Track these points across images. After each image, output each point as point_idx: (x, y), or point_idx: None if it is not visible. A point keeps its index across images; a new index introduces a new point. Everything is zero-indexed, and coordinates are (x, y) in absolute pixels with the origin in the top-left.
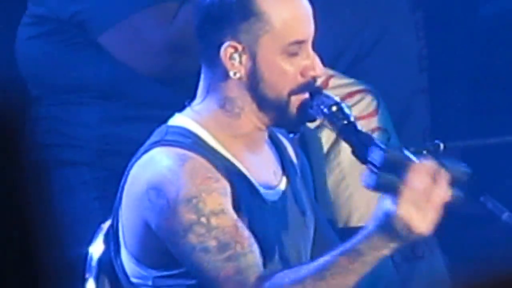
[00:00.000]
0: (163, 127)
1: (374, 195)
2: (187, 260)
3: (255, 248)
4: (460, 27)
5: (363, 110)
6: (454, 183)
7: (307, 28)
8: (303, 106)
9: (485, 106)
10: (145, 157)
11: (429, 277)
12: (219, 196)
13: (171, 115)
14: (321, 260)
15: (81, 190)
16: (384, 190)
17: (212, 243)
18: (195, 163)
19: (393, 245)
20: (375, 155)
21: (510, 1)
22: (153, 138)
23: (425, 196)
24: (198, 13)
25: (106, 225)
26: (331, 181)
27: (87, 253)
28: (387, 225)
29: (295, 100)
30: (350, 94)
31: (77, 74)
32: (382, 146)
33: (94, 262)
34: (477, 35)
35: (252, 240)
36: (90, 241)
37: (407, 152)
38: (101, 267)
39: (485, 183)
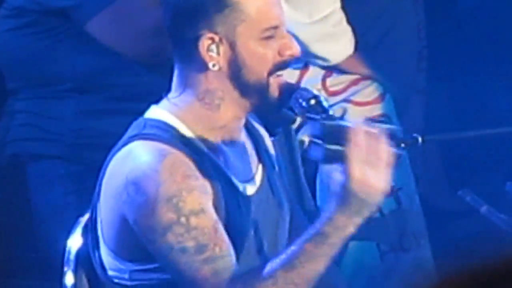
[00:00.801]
0: (140, 119)
1: None
2: (164, 259)
3: (233, 251)
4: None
5: (368, 96)
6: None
7: (280, 14)
8: (283, 88)
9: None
10: (124, 150)
11: (414, 269)
12: (199, 195)
13: (148, 108)
14: (289, 250)
15: (57, 184)
16: (331, 160)
17: (191, 243)
18: (174, 158)
19: (357, 220)
20: (314, 128)
21: None
22: (131, 131)
23: (372, 154)
24: (170, 9)
25: (84, 218)
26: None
27: (65, 246)
28: (346, 195)
29: (274, 82)
30: (355, 82)
31: (54, 66)
32: (318, 117)
33: (72, 255)
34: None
35: (230, 243)
36: (68, 235)
37: (343, 121)
38: (79, 260)
39: (464, 176)
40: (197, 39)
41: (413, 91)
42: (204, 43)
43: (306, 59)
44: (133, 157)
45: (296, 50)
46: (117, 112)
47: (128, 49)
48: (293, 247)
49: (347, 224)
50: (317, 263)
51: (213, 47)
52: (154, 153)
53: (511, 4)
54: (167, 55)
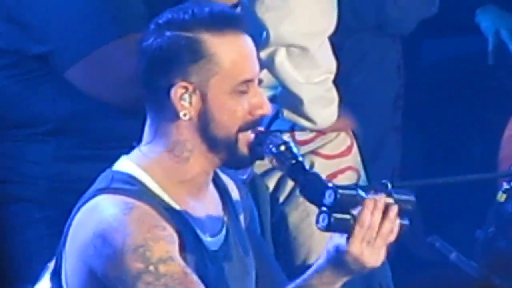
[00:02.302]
0: (108, 172)
1: (336, 235)
2: None
3: None
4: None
5: (335, 149)
6: (401, 212)
7: (254, 67)
8: (251, 144)
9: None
10: (91, 203)
11: None
12: (166, 243)
13: (117, 157)
14: None
15: (30, 227)
16: (336, 229)
17: None
18: (141, 211)
19: (344, 278)
20: (326, 195)
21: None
22: (99, 184)
23: (375, 231)
24: (145, 57)
25: (52, 264)
26: (294, 217)
27: None
28: (338, 260)
29: (243, 138)
30: (323, 132)
31: (32, 109)
32: (331, 185)
33: None
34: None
35: (201, 284)
36: (35, 280)
37: (358, 190)
38: None
39: (433, 223)
40: (170, 87)
41: (390, 128)
42: (177, 91)
43: (294, 119)
44: (100, 211)
45: (267, 109)
46: (94, 157)
47: (106, 97)
48: None
49: (335, 281)
50: None
51: (186, 96)
52: (121, 206)
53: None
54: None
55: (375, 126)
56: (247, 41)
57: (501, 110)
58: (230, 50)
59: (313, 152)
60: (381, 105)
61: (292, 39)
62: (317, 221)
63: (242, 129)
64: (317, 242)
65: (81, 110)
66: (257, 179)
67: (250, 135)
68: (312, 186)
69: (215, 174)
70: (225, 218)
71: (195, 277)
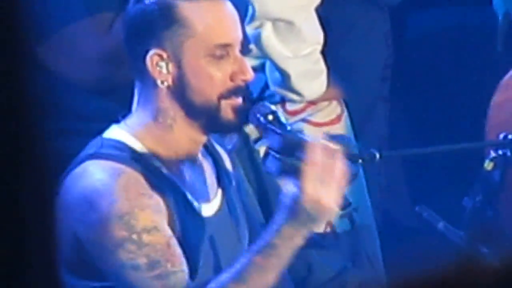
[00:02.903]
0: (98, 138)
1: None
2: (116, 276)
3: (186, 267)
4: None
5: (325, 117)
6: (348, 157)
7: (233, 32)
8: (237, 110)
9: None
10: (79, 169)
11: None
12: (152, 212)
13: (106, 127)
14: (239, 263)
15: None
16: (287, 174)
17: (143, 260)
18: (129, 177)
19: (304, 231)
20: (274, 141)
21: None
22: (88, 150)
23: (327, 171)
24: (124, 26)
25: None
26: (282, 184)
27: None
28: (296, 209)
29: (226, 105)
30: (313, 101)
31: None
32: (278, 130)
33: None
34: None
35: (184, 259)
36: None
37: (302, 135)
38: None
39: (421, 193)
40: (145, 54)
41: (378, 99)
42: (152, 59)
43: (283, 93)
44: (88, 175)
45: (249, 75)
46: (75, 132)
47: (73, 76)
48: (242, 260)
49: (295, 235)
50: (266, 276)
51: (162, 63)
52: (109, 171)
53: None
54: (114, 83)
55: (363, 96)
56: (225, 6)
57: (489, 80)
58: (203, 14)
59: (303, 120)
60: (369, 76)
61: (278, 13)
62: (268, 167)
63: (224, 96)
64: None
65: (57, 85)
66: (244, 150)
67: (236, 100)
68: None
69: (209, 142)
70: (219, 186)
71: (178, 251)
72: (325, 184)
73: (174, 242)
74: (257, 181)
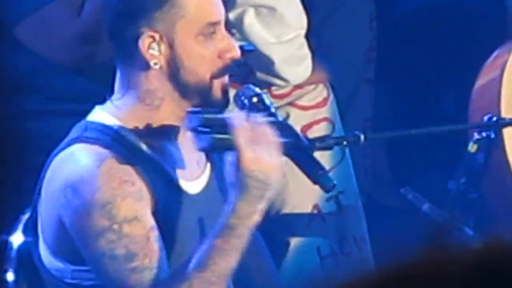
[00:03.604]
0: (83, 122)
1: (310, 186)
2: (94, 264)
3: (163, 264)
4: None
5: (311, 100)
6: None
7: (219, 10)
8: (225, 89)
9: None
10: (65, 152)
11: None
12: (134, 201)
13: (90, 109)
14: (200, 250)
15: None
16: (220, 148)
17: (121, 251)
18: (112, 163)
19: (260, 205)
20: (196, 120)
21: None
22: (73, 134)
23: (257, 134)
24: (110, 9)
25: (25, 216)
26: None
27: (6, 243)
28: (243, 179)
29: (217, 84)
30: (299, 85)
31: None
32: (196, 110)
33: (13, 253)
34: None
35: (163, 254)
36: (9, 232)
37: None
38: (20, 258)
39: (406, 174)
40: (137, 37)
41: (362, 81)
42: (144, 41)
43: (268, 79)
44: (73, 160)
45: (236, 52)
46: (56, 113)
47: (52, 56)
48: (203, 246)
49: (252, 212)
50: (228, 258)
51: (154, 45)
52: (93, 157)
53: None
54: (94, 63)
55: (347, 78)
56: None
57: (474, 62)
58: None
59: (289, 103)
60: (353, 58)
61: None
62: (199, 145)
63: (215, 75)
64: (291, 192)
65: (38, 66)
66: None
67: (225, 79)
68: (284, 137)
69: None
70: (208, 163)
71: (157, 245)
72: (260, 145)
73: (154, 234)
74: None
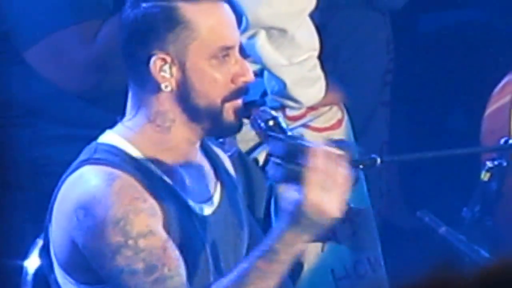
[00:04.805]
0: (93, 144)
1: None
2: (115, 282)
3: (183, 270)
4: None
5: (326, 122)
6: (349, 162)
7: (233, 34)
8: (238, 111)
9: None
10: (75, 175)
11: None
12: (147, 217)
13: (100, 134)
14: (240, 267)
15: (12, 212)
16: (289, 180)
17: (140, 265)
18: (123, 182)
19: (306, 237)
20: (276, 147)
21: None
22: (83, 156)
23: (329, 177)
24: (123, 31)
25: (41, 240)
26: (281, 189)
27: (22, 268)
28: (298, 215)
29: (229, 107)
30: (313, 107)
31: (6, 92)
32: (281, 136)
33: (29, 277)
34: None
35: (181, 261)
36: (24, 256)
37: (303, 140)
38: (36, 281)
39: (422, 197)
40: (149, 59)
41: (379, 104)
42: (156, 63)
43: (281, 100)
44: (83, 182)
45: (249, 76)
46: (71, 138)
47: (61, 82)
48: (243, 265)
49: (296, 241)
50: (267, 281)
51: (166, 67)
52: (103, 177)
53: (472, 25)
54: (105, 90)
55: (364, 101)
56: (224, 8)
57: (490, 85)
58: (206, 17)
59: (304, 125)
60: (369, 81)
61: (270, 21)
62: (270, 174)
63: (227, 99)
64: None
65: (53, 91)
66: (245, 157)
67: (237, 102)
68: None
69: (206, 145)
70: (218, 185)
71: (174, 253)
72: (327, 190)
73: (170, 245)
74: (248, 189)
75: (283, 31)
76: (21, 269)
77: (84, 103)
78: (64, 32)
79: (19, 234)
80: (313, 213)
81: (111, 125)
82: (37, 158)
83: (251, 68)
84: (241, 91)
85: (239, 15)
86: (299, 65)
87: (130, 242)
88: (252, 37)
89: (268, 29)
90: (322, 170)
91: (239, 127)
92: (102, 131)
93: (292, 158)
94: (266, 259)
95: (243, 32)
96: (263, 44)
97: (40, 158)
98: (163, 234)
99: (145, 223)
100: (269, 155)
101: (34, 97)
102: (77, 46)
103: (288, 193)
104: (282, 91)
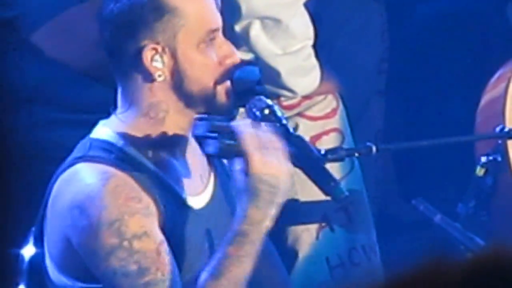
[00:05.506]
0: (86, 139)
1: (319, 196)
2: (108, 282)
3: (174, 275)
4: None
5: (320, 111)
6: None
7: (217, 16)
8: (229, 93)
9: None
10: (69, 172)
11: (364, 284)
12: (142, 217)
13: (99, 119)
14: (214, 258)
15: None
16: (228, 153)
17: (133, 267)
18: (118, 181)
19: (270, 211)
20: (205, 127)
21: (446, 4)
22: (77, 152)
23: (264, 142)
24: (107, 26)
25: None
26: None
27: (18, 256)
28: (253, 185)
29: (221, 89)
30: (308, 96)
31: (4, 77)
32: (203, 117)
33: (25, 266)
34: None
35: (174, 266)
36: (21, 245)
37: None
38: (31, 271)
39: (417, 185)
40: (140, 50)
41: (374, 92)
42: (147, 54)
43: (275, 90)
44: (78, 180)
45: (236, 57)
46: (69, 123)
47: (71, 62)
48: (217, 254)
49: (263, 217)
50: (243, 264)
51: (157, 57)
52: (98, 176)
53: (468, 13)
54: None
55: (358, 90)
56: None
57: (486, 73)
58: (191, 2)
59: (298, 114)
60: (364, 69)
61: (265, 11)
62: (207, 150)
63: (218, 82)
64: (300, 203)
65: (52, 76)
66: None
67: (227, 83)
68: (296, 149)
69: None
70: (212, 176)
71: (167, 258)
72: (267, 150)
73: (164, 248)
74: None
75: (277, 20)
76: (17, 257)
77: (82, 87)
78: (74, 9)
79: (14, 220)
80: (264, 174)
81: (106, 115)
82: (34, 142)
83: (245, 57)
84: (229, 73)
85: (231, 5)
86: (293, 55)
87: (125, 243)
88: (245, 27)
89: (262, 19)
90: (254, 135)
91: (231, 108)
92: (100, 116)
93: (225, 135)
94: (237, 244)
95: (237, 21)
96: (257, 34)
97: (38, 141)
98: (158, 235)
99: (140, 224)
100: (200, 136)
101: (30, 83)
102: (87, 23)
103: (235, 171)
104: (277, 81)
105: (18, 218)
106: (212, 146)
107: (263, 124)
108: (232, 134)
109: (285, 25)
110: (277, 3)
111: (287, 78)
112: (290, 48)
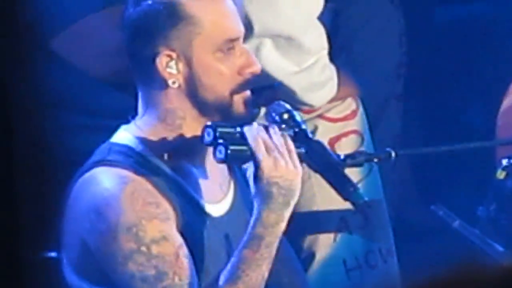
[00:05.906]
0: (106, 144)
1: (337, 198)
2: (124, 286)
3: (193, 279)
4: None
5: (340, 112)
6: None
7: (237, 26)
8: (247, 103)
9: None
10: (88, 176)
11: (380, 286)
12: (160, 222)
13: (121, 124)
14: (231, 262)
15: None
16: (237, 158)
17: (151, 271)
18: (136, 186)
19: (285, 213)
20: (210, 135)
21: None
22: (96, 156)
23: (274, 145)
24: (126, 31)
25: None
26: None
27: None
28: (266, 187)
29: (238, 99)
30: None
31: (28, 82)
32: (212, 124)
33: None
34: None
35: (192, 271)
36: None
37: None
38: (50, 274)
39: (436, 191)
40: (154, 56)
41: (392, 97)
42: (162, 60)
43: (291, 105)
44: (96, 184)
45: (256, 67)
46: (95, 128)
47: (91, 68)
48: (233, 259)
49: (278, 220)
50: (259, 267)
51: (172, 64)
52: (116, 180)
53: (487, 18)
54: (130, 77)
55: (377, 94)
56: (226, 2)
57: (506, 78)
58: (209, 10)
59: (318, 115)
60: (382, 74)
61: (277, 30)
62: (216, 157)
63: (235, 91)
64: (318, 204)
65: (81, 81)
66: None
67: (245, 93)
68: (315, 154)
69: None
70: (232, 183)
71: (186, 262)
72: (280, 156)
73: (183, 252)
74: None
75: (290, 38)
76: (49, 261)
77: (108, 92)
78: (93, 17)
79: (44, 224)
80: (275, 177)
81: (127, 120)
82: (61, 147)
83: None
84: (248, 83)
85: (244, 22)
86: (307, 71)
87: (143, 248)
88: (257, 46)
89: (274, 38)
90: (264, 138)
91: (250, 117)
92: (122, 121)
93: (234, 141)
94: (252, 247)
95: (248, 40)
96: (269, 53)
97: (64, 147)
98: (176, 239)
99: (158, 228)
100: (210, 143)
101: (57, 87)
102: (105, 30)
103: (247, 175)
104: (293, 98)
105: (48, 222)
106: (221, 153)
107: (273, 126)
108: (241, 139)
109: (298, 42)
110: (290, 21)
111: (303, 94)
112: (304, 63)
